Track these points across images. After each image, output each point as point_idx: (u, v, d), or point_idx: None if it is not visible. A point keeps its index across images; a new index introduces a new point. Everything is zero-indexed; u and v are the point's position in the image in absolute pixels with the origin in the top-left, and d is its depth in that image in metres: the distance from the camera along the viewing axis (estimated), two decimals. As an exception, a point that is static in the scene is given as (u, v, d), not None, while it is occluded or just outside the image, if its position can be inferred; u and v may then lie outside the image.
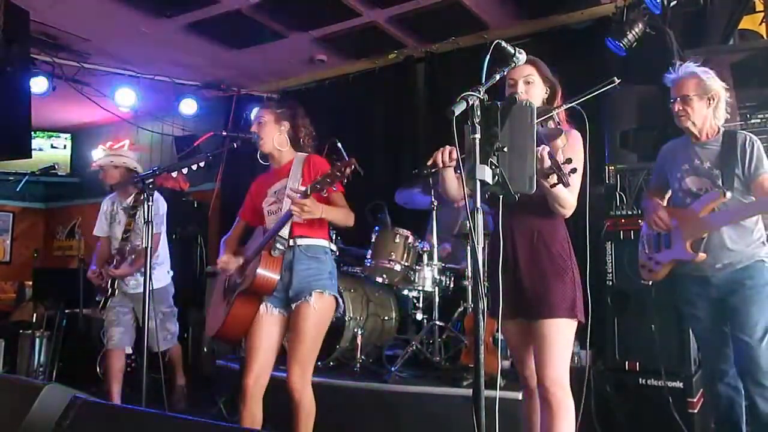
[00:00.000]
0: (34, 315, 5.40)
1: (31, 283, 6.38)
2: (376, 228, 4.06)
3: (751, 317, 2.56)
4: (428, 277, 3.91)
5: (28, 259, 7.59)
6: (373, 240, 4.01)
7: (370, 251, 3.99)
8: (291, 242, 2.68)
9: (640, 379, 3.30)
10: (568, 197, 2.16)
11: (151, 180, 2.78)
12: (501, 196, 1.89)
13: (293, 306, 2.67)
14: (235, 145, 2.93)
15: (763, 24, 3.95)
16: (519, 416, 2.51)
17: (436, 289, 3.91)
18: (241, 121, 5.85)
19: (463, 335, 3.77)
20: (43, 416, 1.38)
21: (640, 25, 3.88)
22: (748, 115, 3.38)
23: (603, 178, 3.66)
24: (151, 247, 2.71)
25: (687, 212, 2.70)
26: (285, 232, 2.66)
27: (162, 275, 4.03)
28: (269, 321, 2.72)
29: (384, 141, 5.63)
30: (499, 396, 1.77)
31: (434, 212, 4.02)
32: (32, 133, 4.67)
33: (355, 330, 3.87)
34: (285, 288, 2.68)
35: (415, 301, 4.08)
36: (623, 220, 3.49)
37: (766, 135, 3.22)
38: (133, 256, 3.74)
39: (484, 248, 2.21)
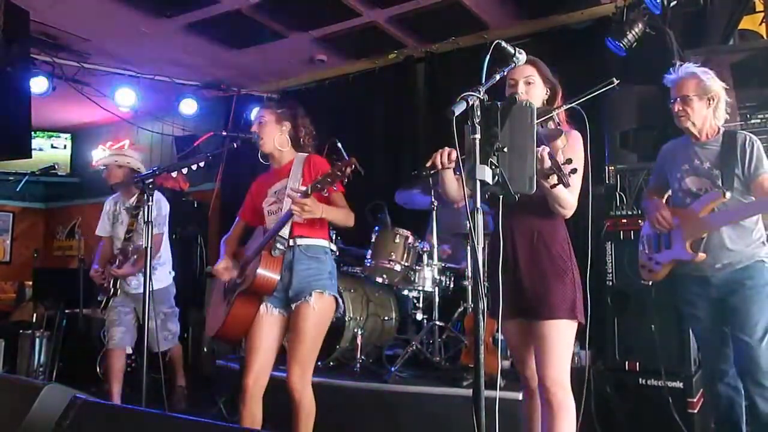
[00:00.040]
0: (34, 315, 5.40)
1: (31, 283, 6.38)
2: (376, 228, 4.06)
3: (751, 317, 2.56)
4: (428, 277, 3.92)
5: (28, 259, 7.59)
6: (373, 240, 4.01)
7: (370, 251, 3.99)
8: (291, 242, 2.68)
9: (640, 379, 3.30)
10: (568, 198, 2.15)
11: (150, 180, 2.79)
12: (501, 197, 1.89)
13: (293, 306, 2.67)
14: (235, 145, 2.93)
15: (763, 24, 3.95)
16: (519, 416, 2.51)
17: (436, 289, 3.91)
18: (241, 121, 5.85)
19: (463, 335, 3.77)
20: (43, 416, 1.38)
21: (640, 25, 3.88)
22: (748, 115, 3.38)
23: (603, 178, 3.66)
24: (151, 247, 2.72)
25: (687, 212, 2.70)
26: (285, 232, 2.66)
27: (164, 276, 4.04)
28: (269, 321, 2.71)
29: (384, 141, 5.63)
30: (499, 396, 1.77)
31: (434, 212, 4.02)
32: (32, 133, 4.66)
33: (355, 330, 3.87)
34: (285, 288, 2.68)
35: (415, 301, 4.08)
36: (623, 220, 3.49)
37: (766, 135, 3.22)
38: (135, 256, 3.75)
39: (484, 248, 2.21)
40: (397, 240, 3.91)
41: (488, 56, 1.85)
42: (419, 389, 3.37)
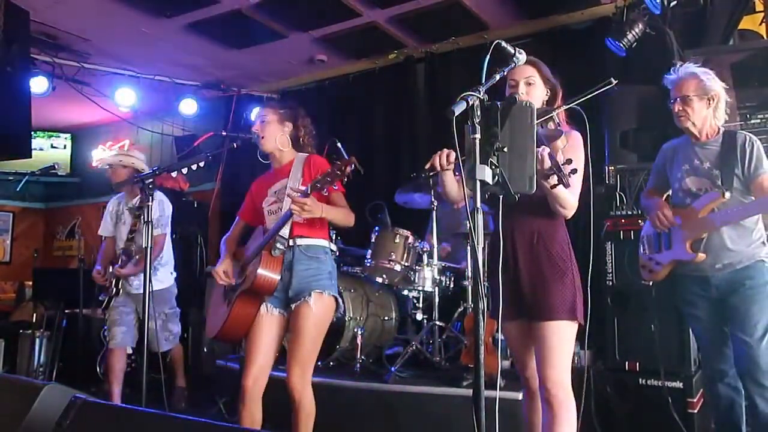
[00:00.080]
0: (34, 315, 5.40)
1: (31, 283, 6.37)
2: (376, 228, 4.06)
3: (752, 317, 2.56)
4: (428, 277, 3.92)
5: (28, 259, 7.59)
6: (373, 240, 4.01)
7: (370, 251, 3.99)
8: (291, 242, 2.67)
9: (640, 379, 3.29)
10: (569, 198, 2.15)
11: (150, 180, 2.79)
12: (501, 197, 1.89)
13: (293, 306, 2.67)
14: (235, 145, 2.93)
15: (763, 24, 3.95)
16: (519, 416, 2.51)
17: (436, 289, 3.91)
18: (241, 121, 5.85)
19: (463, 335, 3.77)
20: (43, 416, 1.38)
21: (640, 25, 3.88)
22: (748, 115, 3.38)
23: (603, 178, 3.66)
24: (151, 248, 2.72)
25: (687, 212, 2.70)
26: (285, 231, 2.66)
27: (165, 276, 4.05)
28: (269, 321, 2.71)
29: (384, 141, 5.62)
30: (499, 396, 1.77)
31: (434, 212, 4.02)
32: (32, 133, 4.66)
33: (355, 330, 3.87)
34: (285, 288, 2.68)
35: (415, 301, 4.08)
36: (623, 220, 3.49)
37: (766, 135, 3.22)
38: (138, 257, 3.77)
39: (484, 248, 2.21)
40: (397, 240, 3.91)
41: (488, 56, 1.85)
42: (419, 389, 3.37)
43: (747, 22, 3.93)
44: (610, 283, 3.47)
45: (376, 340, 4.10)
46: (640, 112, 3.68)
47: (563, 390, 2.14)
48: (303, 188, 2.57)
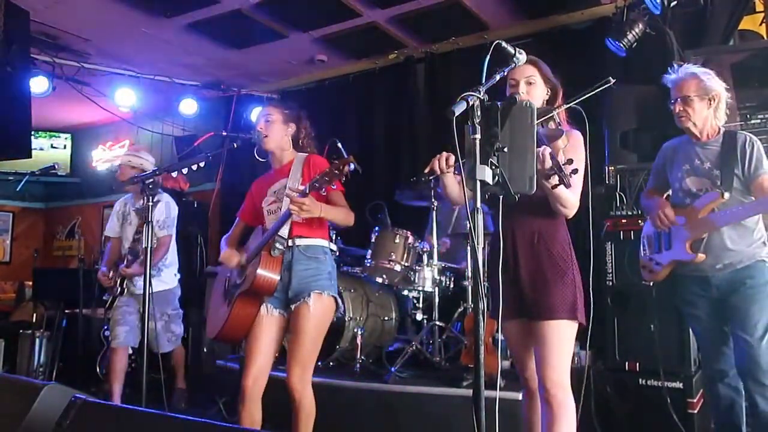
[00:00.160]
0: (34, 315, 5.40)
1: (31, 283, 6.37)
2: (376, 228, 4.06)
3: (752, 316, 2.56)
4: (428, 277, 3.91)
5: (28, 259, 7.59)
6: (373, 240, 4.00)
7: (370, 251, 3.99)
8: (290, 242, 2.67)
9: (640, 380, 3.30)
10: (570, 197, 2.15)
11: (151, 180, 2.79)
12: (501, 197, 1.88)
13: (293, 307, 2.66)
14: (235, 145, 2.93)
15: (763, 24, 3.95)
16: (519, 416, 2.51)
17: (436, 289, 3.90)
18: (241, 121, 5.85)
19: (463, 335, 3.77)
20: (43, 416, 1.37)
21: (640, 26, 3.88)
22: (748, 116, 3.38)
23: (603, 178, 3.66)
24: (152, 248, 2.73)
25: (687, 212, 2.70)
26: (285, 231, 2.66)
27: (169, 277, 4.05)
28: (269, 322, 2.71)
29: (384, 141, 5.62)
30: (499, 396, 1.77)
31: (434, 212, 4.02)
32: (32, 133, 4.66)
33: (355, 330, 3.87)
34: (284, 288, 2.68)
35: (415, 301, 4.08)
36: (623, 220, 3.49)
37: (766, 135, 3.22)
38: (144, 257, 3.76)
39: (484, 248, 2.21)
40: (397, 240, 3.91)
41: (488, 56, 1.85)
42: (419, 389, 3.37)
43: (747, 22, 3.93)
44: (610, 283, 3.47)
45: (376, 340, 4.10)
46: (640, 112, 3.68)
47: (562, 390, 2.14)
48: (301, 188, 2.57)
